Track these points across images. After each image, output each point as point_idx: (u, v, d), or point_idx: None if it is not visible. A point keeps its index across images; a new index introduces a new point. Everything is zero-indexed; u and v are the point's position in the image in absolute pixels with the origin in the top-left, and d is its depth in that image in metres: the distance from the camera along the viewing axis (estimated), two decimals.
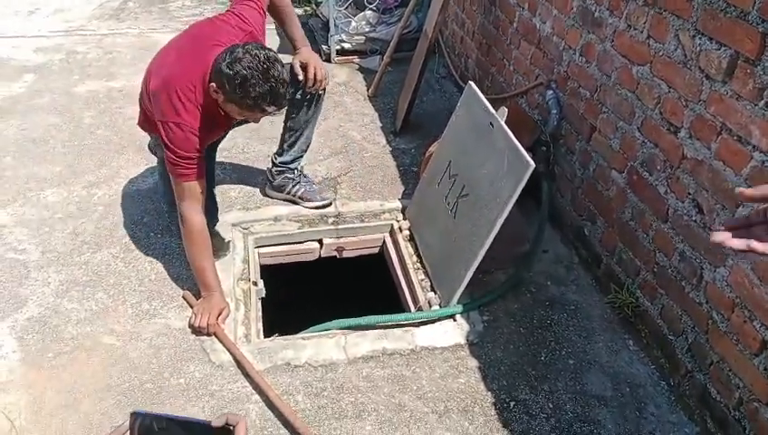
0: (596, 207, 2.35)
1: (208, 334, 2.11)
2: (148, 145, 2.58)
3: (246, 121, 2.53)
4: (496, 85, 3.23)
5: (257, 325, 2.28)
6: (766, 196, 0.81)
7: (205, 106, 2.09)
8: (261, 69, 1.93)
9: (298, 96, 2.54)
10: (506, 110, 2.17)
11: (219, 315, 2.13)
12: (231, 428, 0.89)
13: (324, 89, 2.55)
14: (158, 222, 2.63)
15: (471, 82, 2.43)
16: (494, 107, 3.06)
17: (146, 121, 2.38)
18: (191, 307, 2.20)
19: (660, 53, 1.89)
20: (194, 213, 2.14)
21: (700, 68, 1.73)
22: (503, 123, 2.16)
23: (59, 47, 4.35)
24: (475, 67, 3.56)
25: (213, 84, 2.00)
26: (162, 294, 2.29)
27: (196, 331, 2.12)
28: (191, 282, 2.29)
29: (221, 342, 2.08)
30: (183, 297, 2.27)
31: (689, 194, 1.83)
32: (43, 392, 1.91)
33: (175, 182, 2.13)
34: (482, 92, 3.36)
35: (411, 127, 3.44)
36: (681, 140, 1.84)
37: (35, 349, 2.06)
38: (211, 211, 2.49)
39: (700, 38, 1.72)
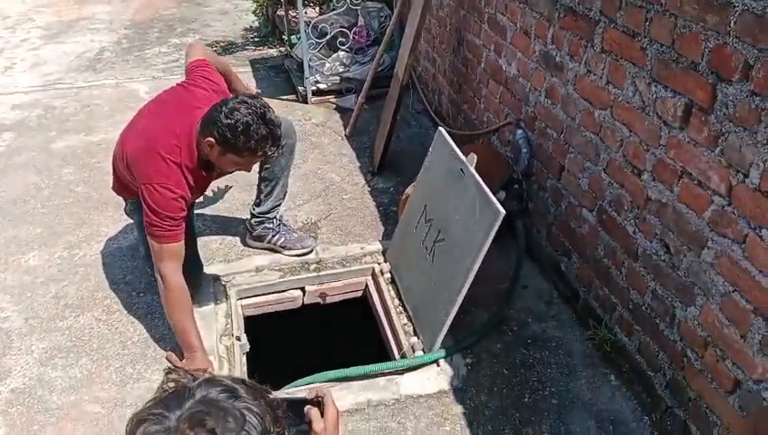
0: (570, 244, 2.40)
1: None
2: (124, 210, 2.60)
3: (223, 174, 2.58)
4: (469, 122, 3.29)
5: None
6: None
7: (190, 166, 2.15)
8: (259, 114, 2.06)
9: None
10: (475, 156, 2.22)
11: None
12: (320, 399, 1.05)
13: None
14: (140, 280, 2.65)
15: (441, 128, 2.48)
16: (465, 143, 3.11)
17: (121, 188, 2.41)
18: None
19: (620, 99, 1.95)
20: (174, 274, 2.16)
21: (658, 114, 1.78)
22: (473, 170, 2.20)
23: (36, 102, 4.38)
24: (448, 103, 3.62)
25: (209, 139, 2.07)
26: (146, 356, 2.30)
27: None
28: (174, 342, 2.30)
29: None
30: (166, 358, 2.27)
31: (656, 235, 1.87)
32: None
33: (154, 244, 2.15)
34: (455, 129, 3.43)
35: (389, 165, 3.48)
36: (645, 182, 1.89)
37: (21, 422, 2.05)
38: (196, 267, 2.51)
39: (656, 86, 1.78)
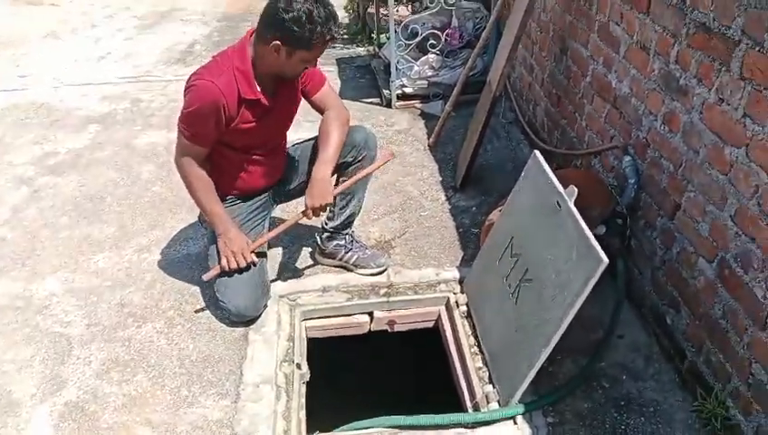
0: (680, 295, 2.07)
1: (246, 262, 2.27)
2: (199, 216, 2.51)
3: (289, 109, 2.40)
4: (567, 140, 2.98)
5: (299, 415, 2.12)
6: None
7: (246, 75, 2.14)
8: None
9: (349, 159, 2.42)
10: (576, 189, 1.93)
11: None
12: None
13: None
14: (206, 292, 2.53)
15: (536, 152, 2.21)
16: (562, 164, 2.81)
17: None
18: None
19: (759, 137, 1.62)
20: (193, 166, 2.23)
21: None
22: (572, 205, 1.92)
23: (125, 95, 4.41)
24: (543, 116, 3.31)
25: (275, 42, 2.03)
26: (202, 378, 2.17)
27: (233, 264, 2.27)
28: (233, 363, 2.19)
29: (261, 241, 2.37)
30: (204, 278, 2.36)
31: None
32: None
33: (181, 138, 2.20)
34: (550, 145, 3.12)
35: (473, 181, 3.23)
36: None
37: None
38: (262, 290, 2.37)
39: None
